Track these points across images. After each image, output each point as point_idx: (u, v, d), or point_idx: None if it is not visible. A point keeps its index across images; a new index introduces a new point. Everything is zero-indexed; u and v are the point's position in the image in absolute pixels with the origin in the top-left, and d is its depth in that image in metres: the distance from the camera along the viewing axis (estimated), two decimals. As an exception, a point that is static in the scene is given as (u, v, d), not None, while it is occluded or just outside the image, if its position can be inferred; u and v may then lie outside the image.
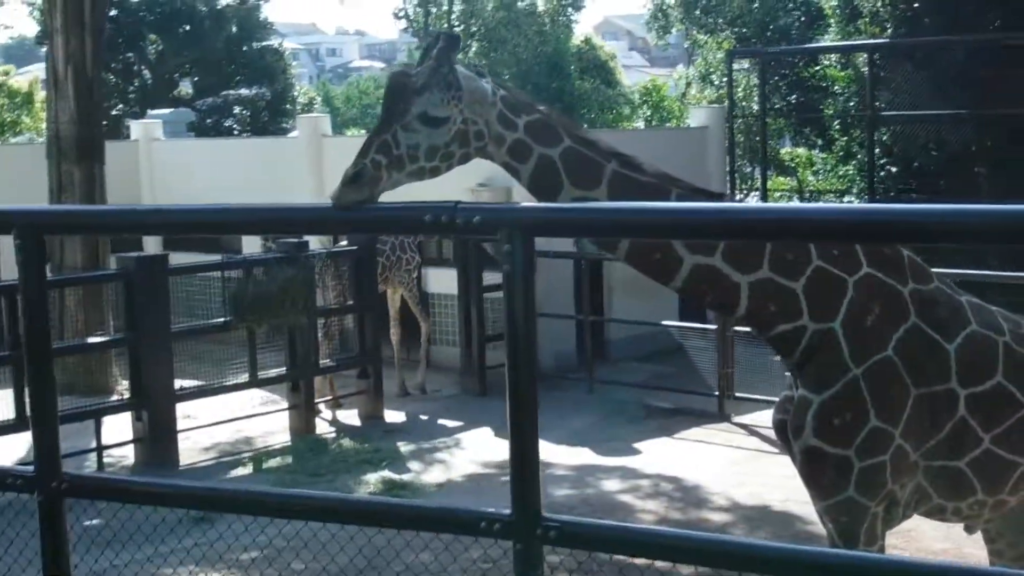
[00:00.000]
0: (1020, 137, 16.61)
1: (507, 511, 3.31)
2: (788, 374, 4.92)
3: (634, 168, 4.54)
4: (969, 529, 5.53)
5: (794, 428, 4.77)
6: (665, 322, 17.32)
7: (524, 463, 3.31)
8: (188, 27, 31.14)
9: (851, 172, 22.98)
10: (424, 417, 14.90)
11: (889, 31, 18.84)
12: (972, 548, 9.24)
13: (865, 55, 18.95)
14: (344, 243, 14.96)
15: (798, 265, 4.63)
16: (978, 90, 17.70)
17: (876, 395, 4.64)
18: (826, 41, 24.45)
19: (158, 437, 12.66)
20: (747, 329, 14.55)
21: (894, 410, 4.66)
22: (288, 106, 32.19)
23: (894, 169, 19.50)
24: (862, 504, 4.69)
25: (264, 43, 32.45)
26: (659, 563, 4.07)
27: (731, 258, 4.55)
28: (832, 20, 23.68)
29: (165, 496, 4.33)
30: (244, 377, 13.82)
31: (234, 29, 31.46)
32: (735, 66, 23.08)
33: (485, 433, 13.98)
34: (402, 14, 44.38)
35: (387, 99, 4.22)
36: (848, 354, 4.65)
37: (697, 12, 29.74)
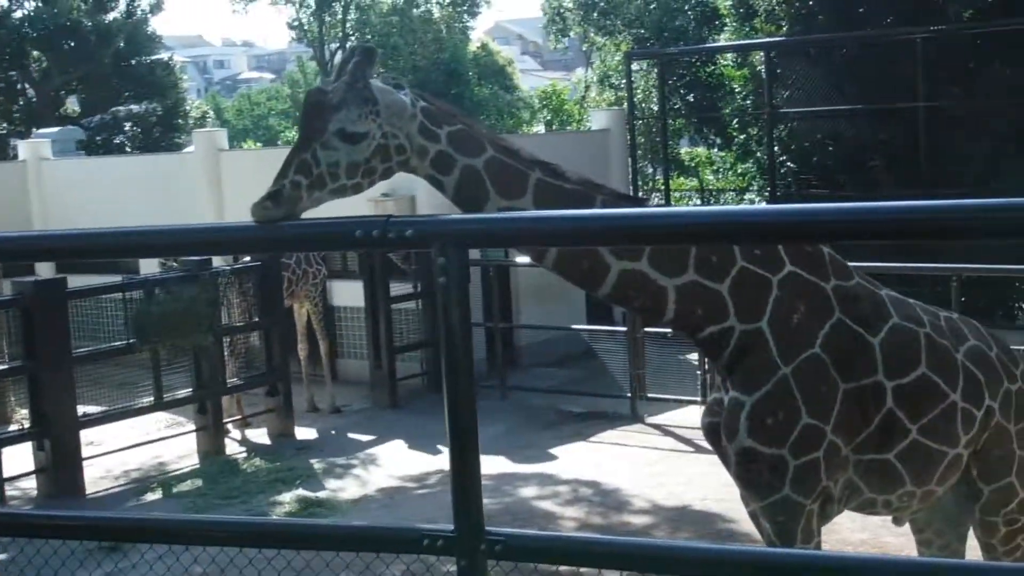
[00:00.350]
0: (913, 130, 16.96)
1: (449, 527, 3.27)
2: (717, 375, 4.94)
3: (558, 176, 4.54)
4: (897, 521, 5.61)
5: (727, 430, 4.80)
6: (574, 326, 17.42)
7: (465, 476, 3.28)
8: (73, 43, 30.51)
9: (751, 170, 23.32)
10: (335, 433, 14.78)
11: (785, 29, 19.12)
12: (890, 537, 9.43)
13: (762, 53, 19.21)
14: (247, 259, 14.77)
15: (723, 267, 4.66)
16: (872, 85, 18.05)
17: (806, 393, 4.69)
18: (722, 40, 24.78)
19: (62, 466, 12.37)
20: (657, 330, 14.88)
21: (825, 406, 4.72)
22: (180, 121, 31.71)
23: (793, 165, 19.80)
24: (798, 502, 4.73)
25: (153, 57, 31.93)
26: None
27: (657, 262, 4.57)
28: (728, 19, 24.00)
29: (73, 529, 4.18)
30: (149, 400, 13.59)
31: (121, 44, 30.88)
32: (633, 67, 23.28)
33: (398, 446, 13.92)
34: (296, 24, 44.03)
35: (304, 117, 4.17)
36: (777, 353, 4.69)
37: (595, 15, 29.92)
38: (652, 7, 27.67)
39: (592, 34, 30.91)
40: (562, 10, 33.30)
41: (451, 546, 3.25)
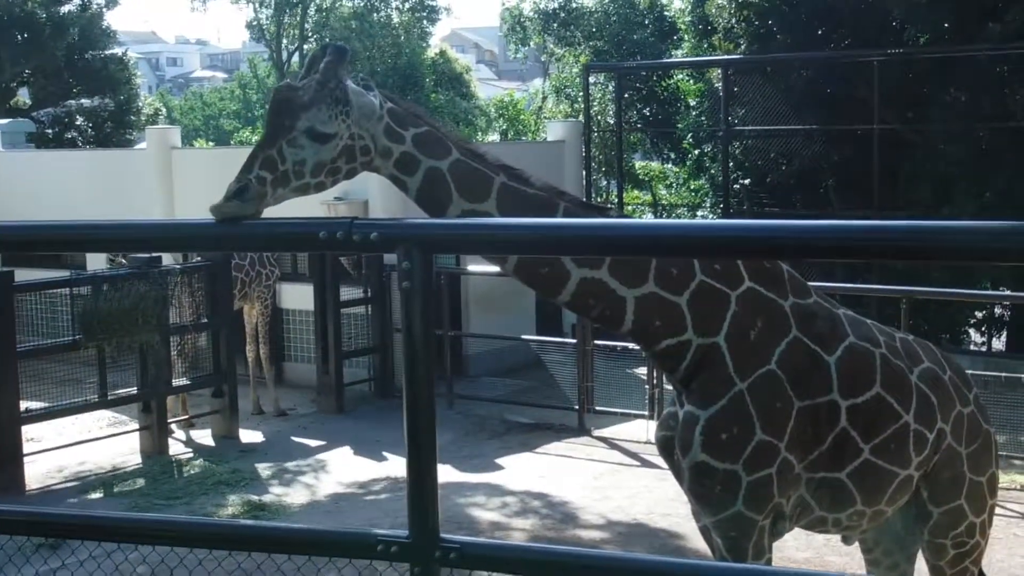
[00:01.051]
0: (867, 152, 17.12)
1: (403, 532, 3.25)
2: (673, 389, 4.95)
3: (522, 181, 4.55)
4: (847, 540, 5.64)
5: (682, 444, 4.80)
6: (524, 336, 17.41)
7: (421, 483, 3.25)
8: (27, 35, 30.18)
9: (704, 186, 23.44)
10: (281, 436, 14.69)
11: (742, 47, 19.24)
12: (834, 557, 9.51)
13: (719, 70, 19.33)
14: (197, 258, 14.66)
15: (683, 280, 4.67)
16: (828, 106, 18.22)
17: (761, 409, 4.71)
18: (679, 56, 24.91)
19: (2, 461, 12.20)
20: (606, 343, 14.92)
21: (779, 423, 4.73)
22: (133, 117, 31.40)
23: (747, 183, 19.93)
24: (750, 518, 4.74)
25: (107, 52, 31.61)
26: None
27: (618, 272, 4.58)
28: (686, 35, 24.14)
29: (12, 524, 4.09)
30: (94, 397, 13.45)
31: (75, 37, 30.54)
32: (591, 80, 23.35)
33: (344, 452, 13.85)
34: (254, 24, 43.80)
35: (272, 113, 4.15)
36: (733, 368, 4.71)
37: (555, 25, 30.01)
38: (612, 20, 27.79)
39: (551, 45, 30.98)
40: (522, 19, 33.35)
41: (405, 552, 3.22)
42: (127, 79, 31.92)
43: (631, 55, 26.24)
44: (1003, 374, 13.52)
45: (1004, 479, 10.19)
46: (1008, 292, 15.90)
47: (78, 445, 13.57)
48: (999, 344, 18.31)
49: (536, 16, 31.65)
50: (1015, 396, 13.25)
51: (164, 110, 44.88)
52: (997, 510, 5.83)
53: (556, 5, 30.74)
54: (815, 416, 4.84)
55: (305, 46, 41.73)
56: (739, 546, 4.76)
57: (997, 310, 18.46)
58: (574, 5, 29.91)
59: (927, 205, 16.51)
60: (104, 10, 32.12)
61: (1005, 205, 16.14)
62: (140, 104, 33.25)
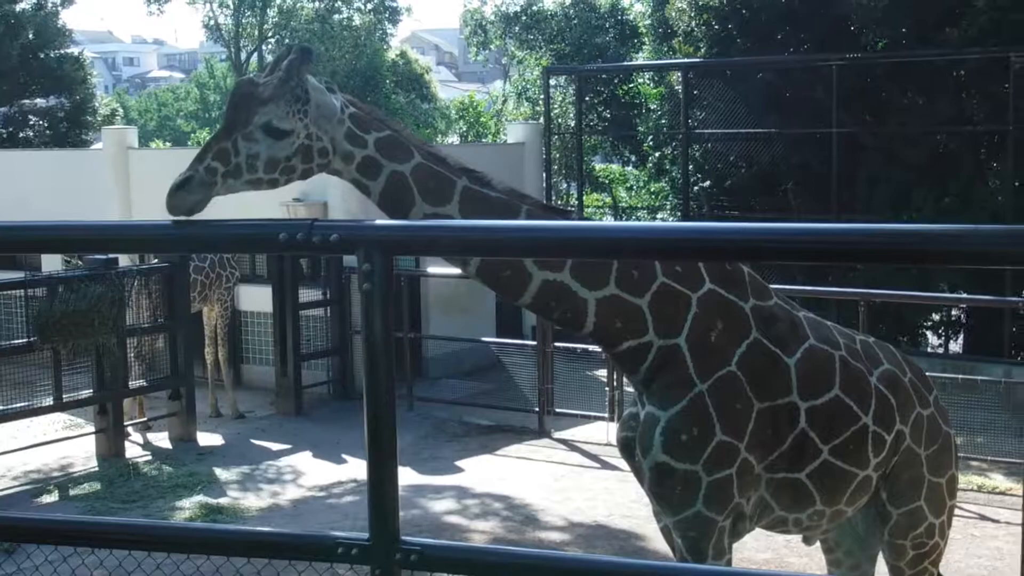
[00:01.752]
0: (826, 156, 17.24)
1: (364, 535, 3.24)
2: (634, 390, 4.97)
3: (484, 184, 4.55)
4: (807, 540, 5.67)
5: (642, 445, 4.82)
6: (484, 338, 17.41)
7: (382, 485, 3.24)
8: (-20, 33, 29.86)
9: (664, 189, 23.51)
10: (239, 439, 14.61)
11: (703, 51, 19.33)
12: (794, 558, 9.56)
13: (679, 73, 19.40)
14: (155, 259, 14.57)
15: (644, 282, 4.69)
16: (787, 109, 18.32)
17: (721, 410, 4.73)
18: (640, 59, 24.99)
19: (-45, 465, 12.09)
20: (566, 345, 14.94)
21: (739, 424, 4.76)
22: (89, 117, 31.09)
23: (707, 185, 20.02)
24: (710, 518, 4.76)
25: (62, 51, 31.29)
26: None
27: (579, 275, 4.59)
28: (647, 39, 24.21)
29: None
30: (49, 400, 13.32)
31: (30, 36, 30.19)
32: (552, 82, 23.39)
33: (303, 454, 13.79)
34: (211, 23, 43.56)
35: (231, 107, 4.15)
36: (693, 370, 4.73)
37: (516, 28, 30.03)
38: (574, 23, 27.83)
39: (512, 48, 31.00)
40: (484, 22, 33.37)
41: (366, 555, 3.21)
42: (83, 79, 31.56)
43: (593, 58, 26.29)
44: (960, 376, 13.65)
45: (963, 480, 10.30)
46: (965, 295, 16.04)
47: (33, 448, 13.44)
48: (956, 346, 18.47)
49: (497, 19, 31.68)
50: (972, 398, 13.38)
51: (121, 110, 44.54)
52: (956, 511, 5.87)
53: (518, 8, 30.79)
54: (775, 417, 4.86)
55: (264, 47, 41.54)
56: (699, 546, 4.78)
57: (954, 313, 18.63)
58: (535, 8, 29.95)
59: (886, 208, 16.63)
60: (59, 9, 31.77)
61: (963, 208, 16.29)
62: (96, 104, 32.89)
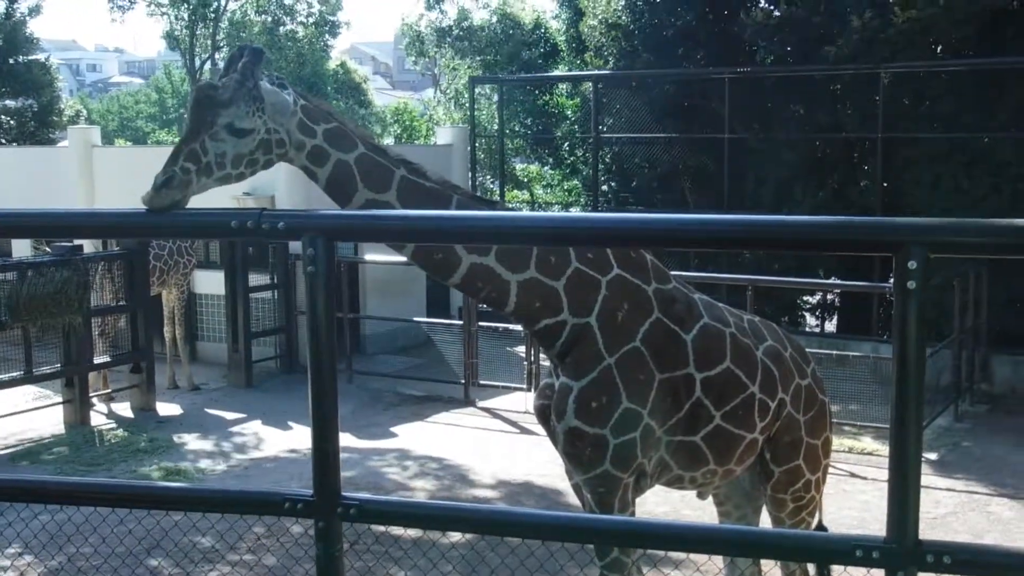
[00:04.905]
0: (719, 158, 17.40)
1: (308, 492, 3.23)
2: (550, 363, 4.99)
3: (420, 175, 4.55)
4: (701, 495, 5.73)
5: (557, 411, 4.84)
6: (416, 318, 17.40)
7: (325, 448, 3.23)
8: (-47, 40, 29.12)
9: (576, 187, 23.61)
10: (195, 408, 14.46)
11: (611, 63, 19.39)
12: (688, 511, 9.66)
13: (590, 84, 19.46)
14: (117, 247, 14.36)
15: (559, 266, 4.70)
16: (685, 116, 18.46)
17: (627, 380, 4.76)
18: (558, 71, 25.01)
19: (-67, 433, 11.83)
20: (489, 324, 14.96)
21: (643, 393, 4.79)
22: (55, 118, 30.49)
23: (614, 184, 20.13)
24: (616, 476, 4.80)
25: (30, 57, 30.62)
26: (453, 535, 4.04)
27: (503, 259, 4.60)
28: (563, 52, 24.23)
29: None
30: (19, 374, 13.08)
31: (1, 43, 29.50)
32: (480, 91, 23.29)
33: (254, 422, 13.68)
34: (171, 33, 42.79)
35: (194, 110, 4.09)
36: (603, 345, 4.75)
37: (449, 40, 29.92)
38: (501, 37, 27.73)
39: (449, 57, 30.86)
40: (421, 36, 33.24)
41: (310, 509, 3.21)
42: (49, 83, 30.89)
43: (520, 70, 26.25)
44: (835, 352, 13.91)
45: (836, 442, 10.46)
46: (839, 281, 16.28)
47: (5, 418, 13.20)
48: (831, 326, 18.75)
49: (431, 32, 31.55)
50: (844, 371, 13.63)
51: (85, 112, 43.72)
52: (830, 469, 5.96)
53: (451, 21, 30.67)
54: (674, 387, 4.91)
55: (216, 55, 40.97)
56: (606, 500, 4.81)
57: (830, 296, 18.90)
58: (466, 24, 29.83)
59: (770, 203, 16.83)
60: (27, 18, 31.08)
61: (836, 203, 16.56)
62: (62, 106, 32.27)
